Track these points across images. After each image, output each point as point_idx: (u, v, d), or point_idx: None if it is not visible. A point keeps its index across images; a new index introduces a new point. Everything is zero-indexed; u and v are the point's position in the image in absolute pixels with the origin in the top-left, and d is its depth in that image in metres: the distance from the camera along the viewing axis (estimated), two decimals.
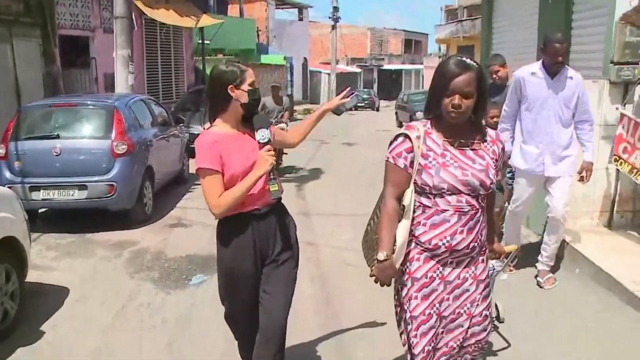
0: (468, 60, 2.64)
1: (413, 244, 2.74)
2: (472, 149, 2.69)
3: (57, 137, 7.19)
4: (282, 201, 3.14)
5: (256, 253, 3.04)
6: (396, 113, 25.81)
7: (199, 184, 3.02)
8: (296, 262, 3.21)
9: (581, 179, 5.01)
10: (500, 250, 3.15)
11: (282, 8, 37.05)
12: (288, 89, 28.73)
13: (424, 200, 2.68)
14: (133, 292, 5.27)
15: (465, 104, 2.59)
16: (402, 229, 2.71)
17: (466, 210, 2.66)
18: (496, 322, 4.08)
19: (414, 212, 2.72)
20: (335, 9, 36.60)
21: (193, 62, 21.10)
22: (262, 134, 2.91)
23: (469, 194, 2.65)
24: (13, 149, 7.10)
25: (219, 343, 4.10)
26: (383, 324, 4.37)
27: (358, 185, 9.94)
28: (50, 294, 5.15)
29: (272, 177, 2.88)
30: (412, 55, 60.30)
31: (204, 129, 3.10)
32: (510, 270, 5.31)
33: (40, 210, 7.51)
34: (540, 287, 5.14)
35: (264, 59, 28.28)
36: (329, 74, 37.77)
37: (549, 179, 4.93)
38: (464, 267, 2.75)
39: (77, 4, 14.07)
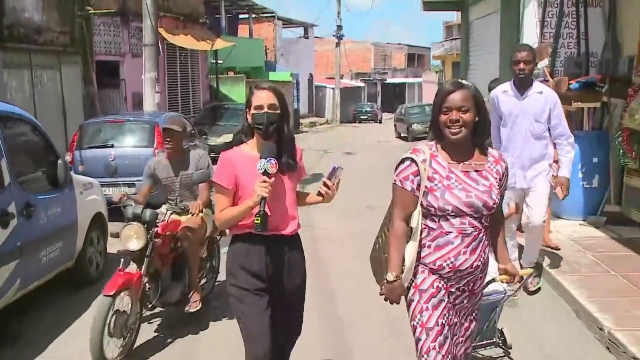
0: (464, 81, 2.77)
1: (419, 264, 2.81)
2: (476, 170, 2.74)
3: (112, 146, 9.20)
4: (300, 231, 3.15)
5: (260, 273, 3.01)
6: (395, 125, 27.77)
7: None
8: (304, 294, 3.22)
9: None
10: (513, 272, 2.99)
11: (289, 27, 39.09)
12: (295, 104, 30.70)
13: (429, 223, 2.75)
14: None
15: (464, 119, 2.66)
16: (410, 250, 2.77)
17: (469, 232, 2.71)
18: (504, 347, 3.99)
19: (421, 234, 2.78)
20: (339, 27, 38.58)
21: (208, 80, 23.17)
22: (260, 164, 2.84)
23: (471, 216, 2.71)
24: (78, 156, 9.09)
25: None
26: None
27: (358, 191, 10.98)
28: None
29: (261, 209, 2.78)
30: (416, 68, 62.06)
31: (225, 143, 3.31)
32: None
33: None
34: (527, 288, 5.20)
35: (272, 75, 30.32)
36: (333, 89, 39.73)
37: (526, 191, 5.01)
38: (465, 282, 2.80)
39: (110, 33, 16.14)
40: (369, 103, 45.76)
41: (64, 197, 5.53)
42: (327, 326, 4.93)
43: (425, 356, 2.73)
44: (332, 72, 41.90)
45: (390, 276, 2.75)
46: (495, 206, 2.73)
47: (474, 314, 2.89)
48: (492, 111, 5.03)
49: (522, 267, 5.04)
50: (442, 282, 2.77)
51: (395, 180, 2.79)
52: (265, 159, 2.82)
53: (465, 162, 2.73)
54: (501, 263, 2.96)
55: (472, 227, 2.70)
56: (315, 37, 44.05)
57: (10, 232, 4.48)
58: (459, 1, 13.89)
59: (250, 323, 3.01)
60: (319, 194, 3.02)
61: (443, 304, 2.76)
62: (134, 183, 9.01)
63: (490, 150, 2.83)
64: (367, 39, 71.40)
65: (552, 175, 5.12)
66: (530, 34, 7.30)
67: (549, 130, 4.91)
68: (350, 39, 52.07)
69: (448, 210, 2.68)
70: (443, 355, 2.72)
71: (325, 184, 2.98)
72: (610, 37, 6.82)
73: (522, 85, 4.91)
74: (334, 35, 39.25)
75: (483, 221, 2.74)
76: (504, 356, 4.02)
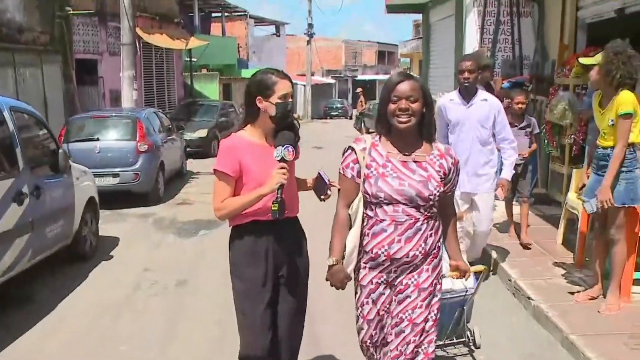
0: (410, 73, 2.93)
1: (362, 253, 2.86)
2: (416, 161, 2.77)
3: (97, 139, 9.98)
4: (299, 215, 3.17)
5: (267, 262, 3.01)
6: (363, 120, 28.74)
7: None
8: (307, 273, 3.21)
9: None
10: (464, 269, 3.01)
11: (261, 25, 39.85)
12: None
13: (368, 211, 2.80)
14: (161, 240, 8.02)
15: (413, 108, 2.69)
16: (351, 236, 2.82)
17: (402, 220, 2.73)
18: (472, 347, 4.03)
19: (363, 222, 2.82)
20: (310, 25, 39.44)
21: (182, 78, 23.89)
22: (277, 152, 2.84)
23: (405, 204, 2.72)
24: (65, 148, 9.79)
25: (224, 268, 6.78)
26: None
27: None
28: (108, 240, 7.88)
29: (278, 196, 2.80)
30: (386, 65, 63.06)
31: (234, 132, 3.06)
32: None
33: None
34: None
35: (244, 73, 31.03)
36: (304, 85, 40.60)
37: (472, 197, 5.12)
38: (407, 274, 2.81)
39: (89, 32, 16.79)
40: (339, 99, 46.84)
41: (64, 182, 6.35)
42: None
43: (367, 342, 2.96)
44: (304, 69, 42.72)
45: (330, 261, 2.83)
46: (432, 197, 2.73)
47: (424, 310, 2.81)
48: (438, 119, 5.10)
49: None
50: (383, 277, 2.83)
51: (339, 169, 2.88)
52: (282, 147, 2.84)
53: (405, 152, 2.77)
54: (452, 259, 2.99)
55: (407, 215, 2.73)
56: (287, 34, 44.85)
57: (24, 210, 5.29)
58: (420, 4, 14.73)
59: (253, 319, 3.01)
60: (322, 200, 3.09)
61: (383, 297, 2.85)
62: (118, 174, 9.84)
63: (436, 143, 2.85)
64: (339, 36, 72.30)
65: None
66: (472, 40, 8.32)
67: (494, 136, 5.06)
68: (322, 36, 52.88)
69: (381, 197, 2.73)
70: (382, 338, 2.91)
71: (332, 184, 3.05)
72: (540, 43, 7.87)
73: (468, 94, 5.05)
74: (305, 33, 40.07)
75: (421, 210, 2.74)
76: (467, 354, 4.07)
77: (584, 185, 4.74)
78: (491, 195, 5.13)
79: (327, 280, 2.86)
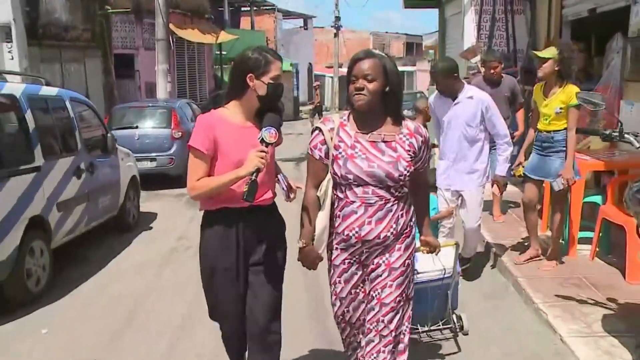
0: (376, 51, 2.72)
1: (333, 235, 2.84)
2: (385, 141, 2.71)
3: (137, 127, 11.13)
4: (275, 199, 3.05)
5: (239, 250, 2.91)
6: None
7: None
8: (283, 262, 3.08)
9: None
10: (434, 244, 3.01)
11: (289, 19, 40.79)
12: (295, 92, 32.51)
13: (338, 193, 2.77)
14: (193, 215, 9.04)
15: (369, 88, 2.62)
16: (320, 218, 2.79)
17: (373, 201, 2.70)
18: (455, 332, 4.04)
19: (333, 204, 2.79)
20: (337, 18, 40.26)
21: (213, 70, 25.09)
22: (261, 133, 2.73)
23: (375, 185, 2.68)
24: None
25: None
26: None
27: None
28: (148, 215, 8.97)
29: (253, 178, 2.68)
30: (414, 57, 63.47)
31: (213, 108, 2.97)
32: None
33: None
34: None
35: None
36: (332, 77, 41.47)
37: (462, 194, 5.03)
38: (379, 254, 2.80)
39: (126, 29, 17.98)
40: None
41: (112, 161, 7.46)
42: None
43: (339, 318, 2.98)
44: (332, 61, 43.52)
45: (300, 243, 2.83)
46: (402, 177, 2.70)
47: (394, 289, 2.80)
48: (432, 116, 5.26)
49: (461, 258, 4.95)
50: (355, 257, 2.82)
51: (307, 149, 2.84)
52: (265, 129, 2.74)
53: (374, 132, 2.72)
54: (422, 234, 2.99)
55: (377, 196, 2.69)
56: (315, 27, 45.69)
57: (82, 182, 6.39)
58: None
59: (222, 303, 2.99)
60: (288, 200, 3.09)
61: (356, 277, 2.86)
62: (155, 158, 10.97)
63: (406, 122, 2.79)
64: (366, 28, 72.67)
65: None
66: (469, 36, 9.20)
67: (487, 131, 4.92)
68: (350, 28, 53.58)
69: (350, 179, 2.69)
70: (357, 318, 2.93)
71: (291, 190, 3.09)
72: (532, 38, 8.72)
73: (448, 95, 4.93)
74: (331, 26, 40.90)
75: (392, 191, 2.71)
76: (450, 338, 4.11)
77: (520, 164, 5.42)
78: (479, 191, 5.01)
79: (299, 260, 2.91)
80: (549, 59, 4.91)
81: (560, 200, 5.18)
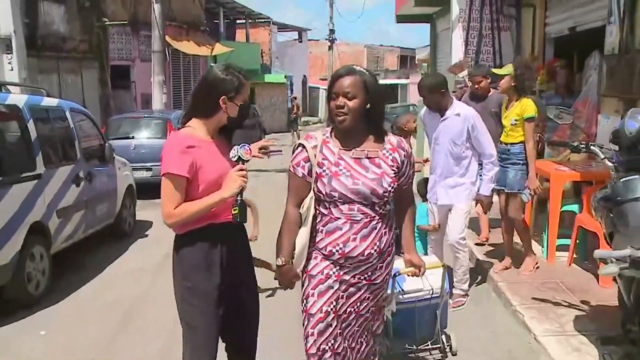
0: (357, 67, 2.69)
1: (314, 250, 2.77)
2: (368, 157, 2.69)
3: (132, 137, 11.37)
4: None
5: (223, 269, 2.84)
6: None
7: None
8: (255, 281, 3.06)
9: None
10: (418, 264, 2.93)
11: (284, 31, 41.19)
12: (288, 103, 32.83)
13: (322, 209, 2.72)
14: None
15: (349, 105, 2.61)
16: (301, 236, 2.73)
17: (358, 218, 2.67)
18: (448, 353, 3.99)
19: (315, 219, 2.74)
20: (332, 31, 40.69)
21: None
22: (234, 151, 2.74)
23: (360, 203, 2.66)
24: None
25: None
26: None
27: None
28: (144, 223, 9.14)
29: (238, 199, 2.69)
30: (408, 70, 63.91)
31: (176, 129, 2.90)
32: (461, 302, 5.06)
33: None
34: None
35: (267, 77, 32.49)
36: (326, 90, 41.75)
37: (449, 208, 4.98)
38: (361, 271, 2.75)
39: (122, 40, 18.28)
40: None
41: (109, 170, 7.69)
42: None
43: (305, 341, 2.76)
44: (326, 74, 43.91)
45: (279, 261, 2.76)
46: (386, 194, 2.69)
47: (370, 302, 2.81)
48: (423, 130, 5.28)
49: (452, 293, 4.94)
50: (335, 269, 2.73)
51: (289, 167, 2.78)
52: (239, 146, 2.75)
53: (357, 149, 2.70)
54: (406, 253, 2.94)
55: (362, 213, 2.67)
56: (310, 39, 46.11)
57: (80, 190, 6.61)
58: (427, 14, 15.80)
59: (205, 337, 2.86)
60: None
61: (331, 292, 2.72)
62: (151, 168, 11.17)
63: (389, 137, 2.78)
64: (361, 40, 73.27)
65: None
66: (457, 51, 9.51)
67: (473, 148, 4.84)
68: (344, 41, 54.05)
69: (335, 196, 2.66)
70: (321, 343, 2.70)
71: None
72: (517, 54, 9.01)
73: (437, 110, 4.88)
74: (326, 39, 41.32)
75: (376, 208, 2.69)
76: (438, 357, 4.04)
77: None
78: (464, 205, 4.93)
79: (275, 279, 2.84)
80: (506, 75, 5.23)
81: (519, 210, 5.42)
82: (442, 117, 4.84)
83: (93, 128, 7.61)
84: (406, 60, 65.75)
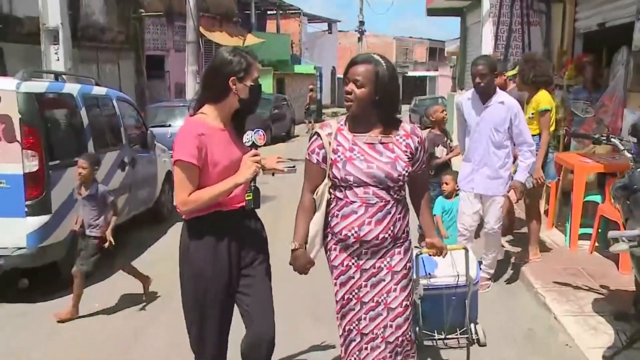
0: (376, 56, 2.71)
1: (330, 235, 2.85)
2: (382, 143, 2.75)
3: (169, 125, 11.82)
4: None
5: (231, 257, 2.83)
6: (409, 115, 30.12)
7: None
8: (269, 264, 3.02)
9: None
10: (440, 246, 2.95)
11: (314, 23, 41.44)
12: (318, 95, 33.13)
13: (337, 193, 2.79)
14: None
15: (356, 93, 2.66)
16: (315, 221, 2.83)
17: (373, 202, 2.72)
18: (469, 341, 3.92)
19: (330, 204, 2.81)
20: (361, 23, 40.80)
21: None
22: (247, 136, 2.76)
23: (375, 186, 2.71)
24: None
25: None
26: None
27: None
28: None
29: (252, 185, 2.72)
30: (437, 62, 63.66)
31: (189, 115, 2.87)
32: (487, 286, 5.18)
33: None
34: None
35: (297, 68, 32.84)
36: None
37: (482, 197, 4.96)
38: (379, 258, 2.80)
39: (158, 31, 18.76)
40: None
41: (150, 156, 8.09)
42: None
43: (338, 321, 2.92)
44: None
45: (293, 245, 2.83)
46: (400, 177, 2.73)
47: (398, 293, 2.82)
48: (459, 116, 5.17)
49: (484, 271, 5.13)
50: (354, 259, 2.81)
51: (305, 154, 2.86)
52: (253, 131, 2.77)
53: (370, 135, 2.75)
54: (427, 237, 2.98)
55: (377, 197, 2.72)
56: (339, 30, 46.27)
57: (125, 175, 7.01)
58: (458, 8, 15.91)
59: (210, 332, 2.87)
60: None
61: (352, 282, 2.82)
62: None
63: (403, 124, 2.83)
64: (390, 32, 73.03)
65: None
66: (487, 45, 9.69)
67: (512, 138, 4.85)
68: (373, 32, 54.06)
69: (350, 180, 2.71)
70: (345, 324, 2.86)
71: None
72: (547, 49, 9.18)
73: (484, 95, 4.84)
74: (355, 30, 41.44)
75: (391, 193, 2.74)
76: (464, 346, 3.95)
77: None
78: (501, 198, 4.97)
79: (290, 264, 2.90)
80: (516, 75, 5.58)
81: (535, 199, 5.65)
82: (484, 104, 4.82)
83: (136, 116, 8.00)
84: (435, 52, 65.49)
